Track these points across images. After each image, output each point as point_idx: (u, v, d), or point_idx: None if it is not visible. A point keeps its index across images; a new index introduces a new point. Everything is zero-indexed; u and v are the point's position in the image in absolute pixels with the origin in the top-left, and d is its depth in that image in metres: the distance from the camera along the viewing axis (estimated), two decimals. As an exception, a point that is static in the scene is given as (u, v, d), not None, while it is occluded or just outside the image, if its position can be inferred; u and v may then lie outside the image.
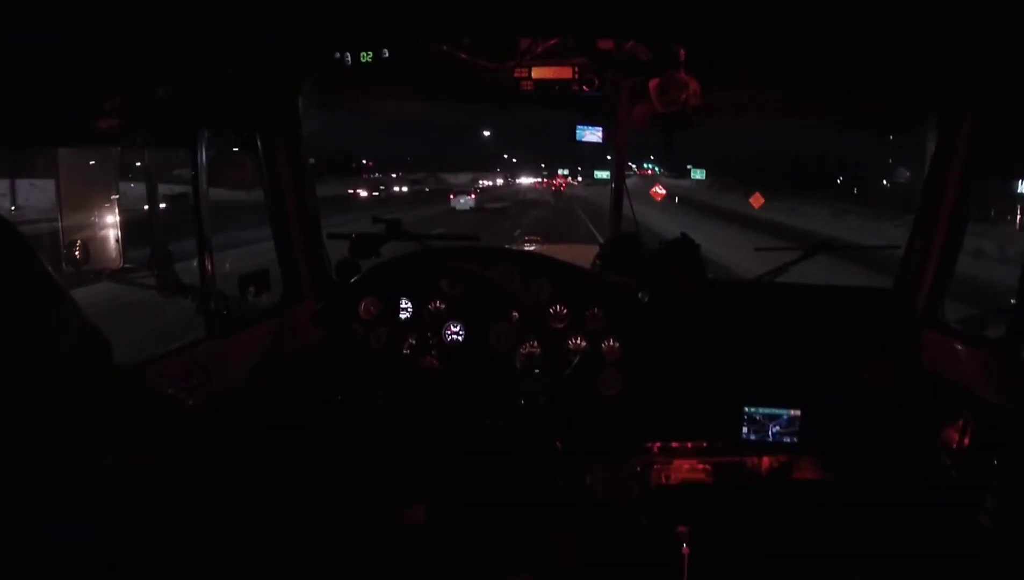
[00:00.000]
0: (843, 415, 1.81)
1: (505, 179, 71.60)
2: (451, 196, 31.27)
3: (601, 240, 2.39)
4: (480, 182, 56.64)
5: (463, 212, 26.75)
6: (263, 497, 1.36)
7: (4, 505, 0.41)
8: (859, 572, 1.69)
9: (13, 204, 10.96)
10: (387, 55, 1.57)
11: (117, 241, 1.44)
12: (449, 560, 1.44)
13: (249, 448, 1.43)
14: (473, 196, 31.03)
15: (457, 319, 1.84)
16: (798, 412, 1.82)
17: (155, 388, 1.19)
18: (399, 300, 1.87)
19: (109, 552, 0.47)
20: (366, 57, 1.57)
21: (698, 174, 33.79)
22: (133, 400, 0.71)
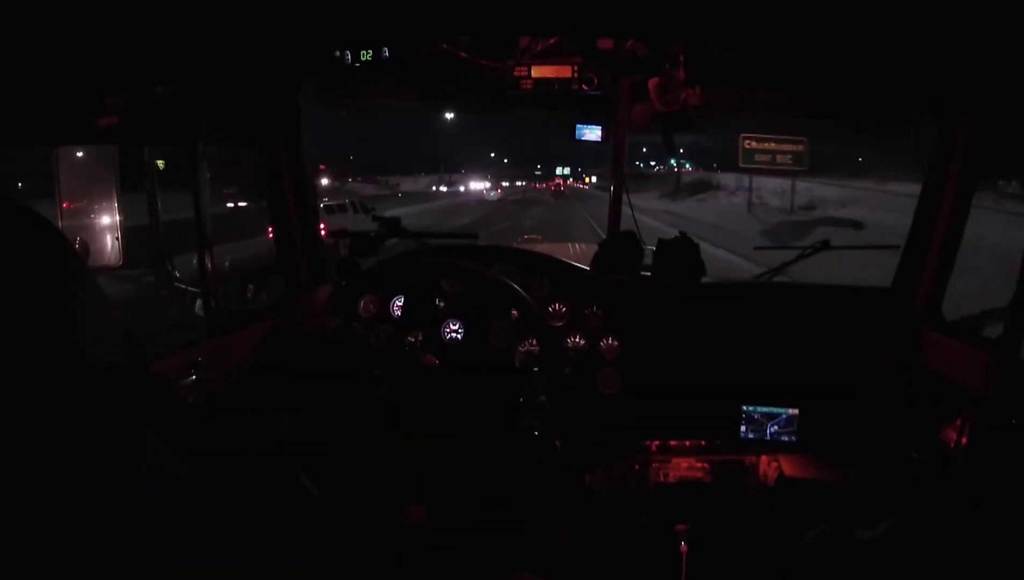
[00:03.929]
0: (841, 414, 1.81)
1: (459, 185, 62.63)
2: (483, 191, 46.76)
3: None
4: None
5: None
6: (264, 493, 1.36)
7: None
8: (858, 571, 1.70)
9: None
10: (387, 54, 1.57)
11: (117, 239, 1.44)
12: (449, 560, 1.44)
13: (251, 444, 1.43)
14: (500, 192, 46.82)
15: (456, 317, 1.85)
16: (796, 411, 1.82)
17: (166, 382, 1.20)
18: (398, 298, 1.87)
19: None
20: (366, 56, 1.57)
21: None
22: (156, 393, 0.72)
